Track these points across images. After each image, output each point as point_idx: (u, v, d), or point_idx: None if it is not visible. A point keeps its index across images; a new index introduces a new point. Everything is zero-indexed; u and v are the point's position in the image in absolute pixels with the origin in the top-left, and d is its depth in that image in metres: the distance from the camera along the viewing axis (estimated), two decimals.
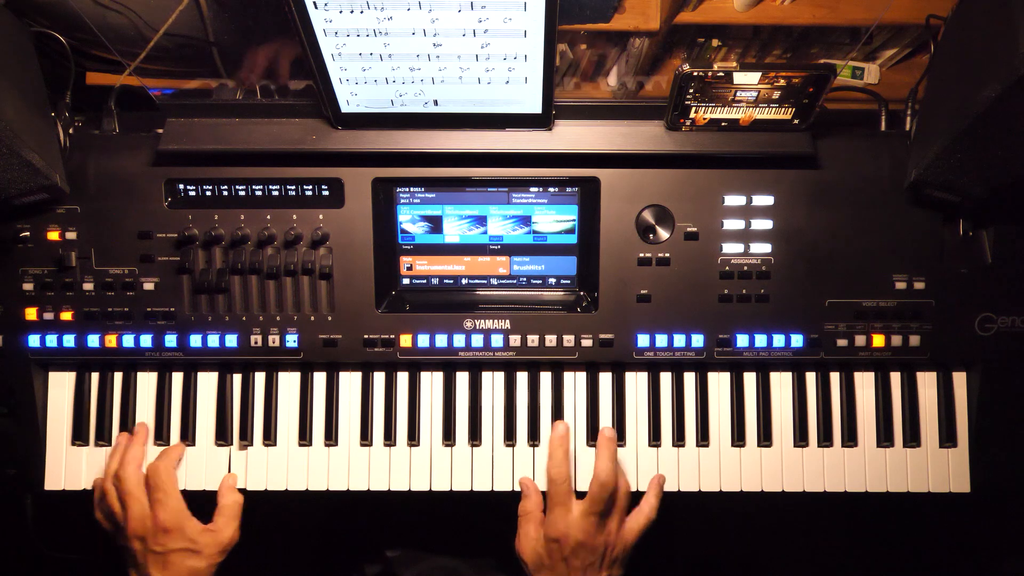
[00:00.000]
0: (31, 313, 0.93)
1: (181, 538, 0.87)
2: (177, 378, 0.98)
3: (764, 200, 0.93)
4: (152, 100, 0.94)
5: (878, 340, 0.94)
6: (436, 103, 0.89)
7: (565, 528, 0.86)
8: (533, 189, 0.97)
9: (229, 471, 0.96)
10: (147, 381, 0.98)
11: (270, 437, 0.97)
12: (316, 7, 0.75)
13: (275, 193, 0.94)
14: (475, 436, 0.97)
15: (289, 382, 0.99)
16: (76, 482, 0.97)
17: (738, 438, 0.97)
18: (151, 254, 0.93)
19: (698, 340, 0.94)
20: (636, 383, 0.99)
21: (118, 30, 0.89)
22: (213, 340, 0.94)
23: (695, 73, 0.83)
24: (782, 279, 0.94)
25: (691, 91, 0.85)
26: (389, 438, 0.97)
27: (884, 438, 0.97)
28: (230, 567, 0.89)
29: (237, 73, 0.93)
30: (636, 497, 0.97)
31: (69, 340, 0.93)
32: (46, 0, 0.91)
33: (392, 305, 0.97)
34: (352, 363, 0.98)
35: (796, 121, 0.90)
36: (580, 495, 0.91)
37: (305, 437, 0.97)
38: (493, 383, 0.99)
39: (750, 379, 0.99)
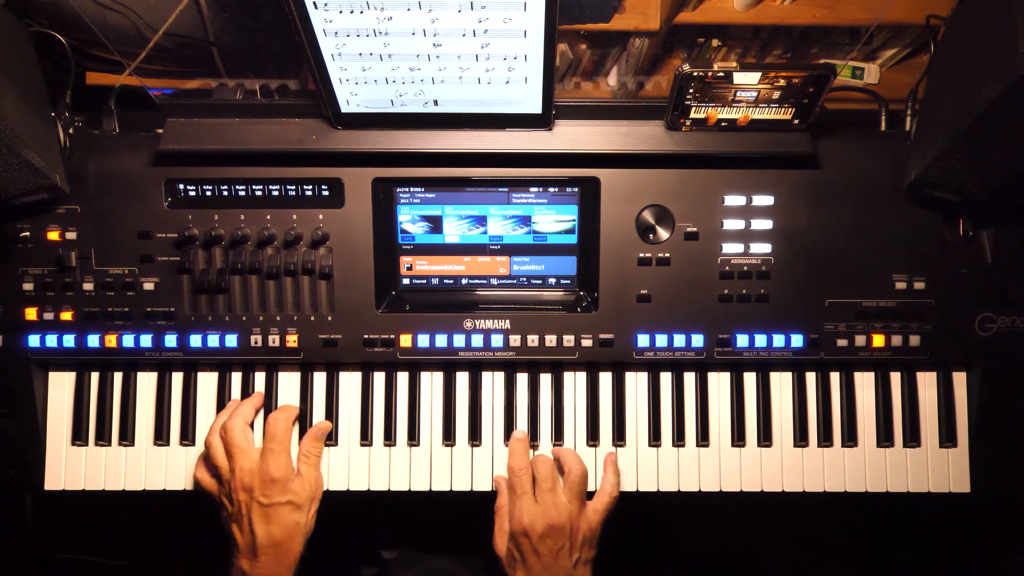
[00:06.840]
0: (31, 313, 0.93)
1: (286, 491, 0.88)
2: (177, 378, 0.98)
3: (764, 200, 0.93)
4: (152, 100, 0.94)
5: (878, 340, 0.94)
6: (436, 103, 0.89)
7: (530, 517, 0.87)
8: (533, 189, 0.97)
9: None
10: (147, 381, 0.98)
11: None
12: (316, 7, 0.75)
13: (275, 193, 0.94)
14: (475, 436, 0.97)
15: (289, 382, 0.99)
16: (76, 482, 0.97)
17: (738, 438, 0.97)
18: (151, 254, 0.93)
19: (698, 340, 0.94)
20: (636, 383, 0.99)
21: (118, 30, 0.89)
22: (213, 340, 0.94)
23: (695, 73, 0.83)
24: (782, 279, 0.94)
25: (691, 91, 0.85)
26: (389, 438, 0.97)
27: (884, 438, 0.97)
28: (224, 568, 0.89)
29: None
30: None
31: (69, 340, 0.93)
32: (46, 0, 0.91)
33: (392, 305, 0.97)
34: (352, 363, 0.98)
35: (796, 121, 0.90)
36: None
37: None
38: (493, 383, 0.99)
39: (750, 379, 0.99)
